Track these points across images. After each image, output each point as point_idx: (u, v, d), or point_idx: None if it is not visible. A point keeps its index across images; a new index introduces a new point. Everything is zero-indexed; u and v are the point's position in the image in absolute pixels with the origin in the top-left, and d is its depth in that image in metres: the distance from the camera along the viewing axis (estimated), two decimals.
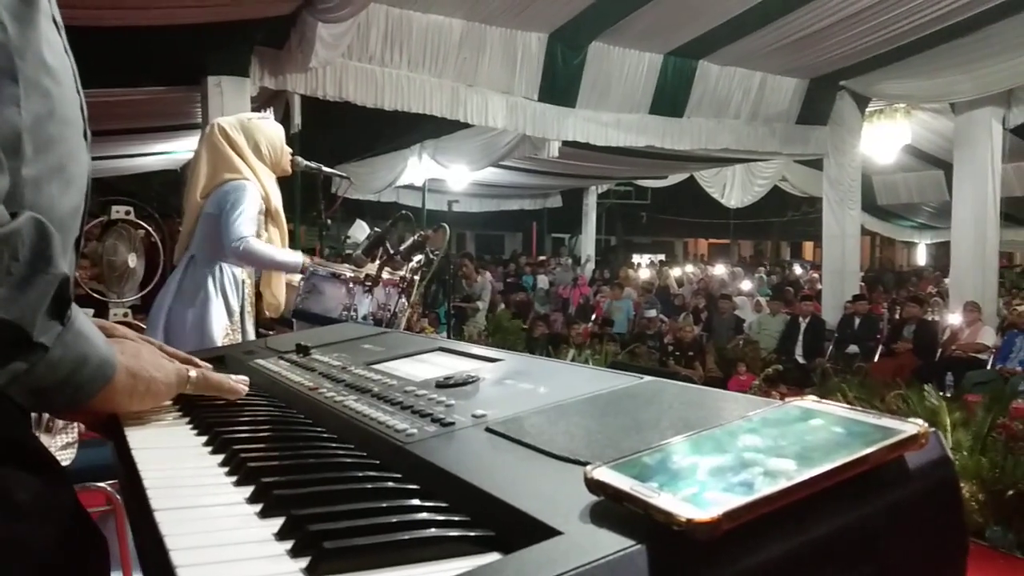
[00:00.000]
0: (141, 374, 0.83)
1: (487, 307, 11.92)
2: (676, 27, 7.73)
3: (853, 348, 9.12)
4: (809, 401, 0.59)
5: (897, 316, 9.80)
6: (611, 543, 0.44)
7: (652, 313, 10.49)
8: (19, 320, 0.63)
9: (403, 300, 3.11)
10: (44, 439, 2.55)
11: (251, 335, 3.14)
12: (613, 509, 0.48)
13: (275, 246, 3.07)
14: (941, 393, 6.13)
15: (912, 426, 0.51)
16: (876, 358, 8.84)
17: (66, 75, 0.79)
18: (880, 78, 8.88)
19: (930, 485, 0.52)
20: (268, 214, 3.08)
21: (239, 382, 0.98)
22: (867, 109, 9.91)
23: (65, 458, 2.58)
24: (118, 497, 2.62)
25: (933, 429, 0.53)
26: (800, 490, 0.46)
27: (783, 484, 0.46)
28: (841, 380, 6.76)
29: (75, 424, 2.65)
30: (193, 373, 0.92)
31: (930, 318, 9.48)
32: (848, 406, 0.57)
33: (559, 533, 0.47)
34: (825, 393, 5.85)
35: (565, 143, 9.04)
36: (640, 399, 0.74)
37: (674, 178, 15.08)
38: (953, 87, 8.33)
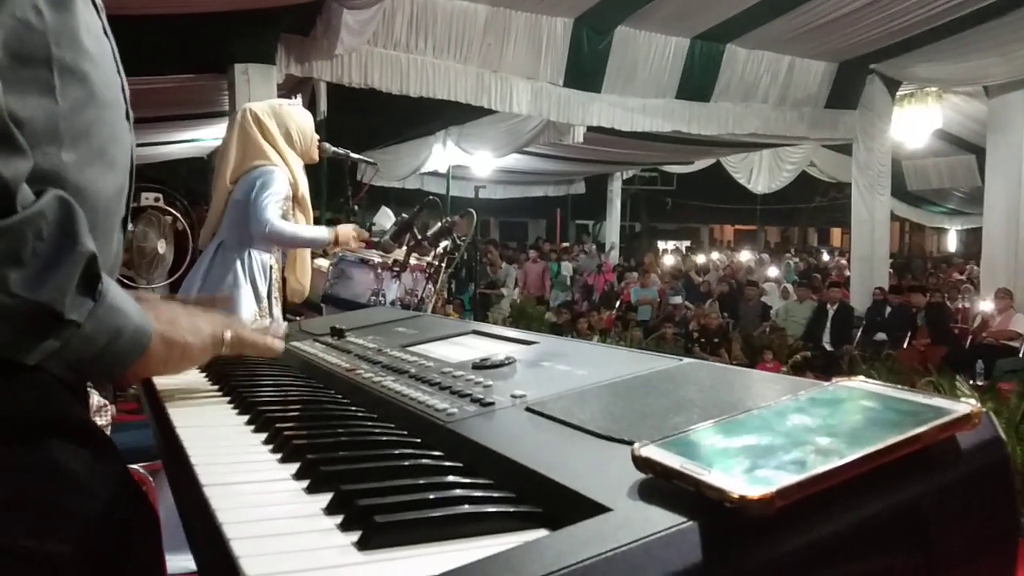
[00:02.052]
0: (176, 340, 0.83)
1: (511, 294, 11.92)
2: (703, 10, 7.64)
3: (881, 336, 9.01)
4: (857, 381, 0.58)
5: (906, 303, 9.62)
6: (662, 519, 0.44)
7: (677, 300, 10.44)
8: (49, 300, 0.64)
9: (430, 285, 3.12)
10: None
11: (278, 320, 3.17)
12: (662, 487, 0.48)
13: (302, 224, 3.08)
14: (972, 381, 6.06)
15: (964, 406, 0.51)
16: (905, 345, 8.73)
17: (105, 58, 0.80)
18: (911, 61, 8.72)
19: (982, 465, 0.51)
20: (296, 200, 3.09)
21: (275, 340, 1.00)
22: (898, 93, 9.73)
23: None
24: (151, 479, 2.66)
25: (985, 409, 0.52)
26: (852, 468, 0.46)
27: (835, 463, 0.45)
28: (869, 368, 6.69)
29: (109, 407, 2.70)
30: (228, 334, 0.92)
31: (960, 305, 9.32)
32: (896, 386, 0.56)
33: (608, 510, 0.47)
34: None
35: (590, 129, 9.00)
36: (680, 380, 0.74)
37: (700, 163, 14.94)
38: (987, 70, 8.15)
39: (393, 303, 3.01)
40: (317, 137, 3.20)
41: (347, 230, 3.08)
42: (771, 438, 0.50)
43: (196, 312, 0.91)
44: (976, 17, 7.47)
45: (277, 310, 3.19)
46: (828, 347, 9.09)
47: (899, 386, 0.56)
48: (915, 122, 10.12)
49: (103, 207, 0.79)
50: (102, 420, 2.66)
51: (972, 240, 17.52)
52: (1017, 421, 4.33)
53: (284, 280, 3.28)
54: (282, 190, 2.95)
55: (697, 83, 8.56)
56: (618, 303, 11.65)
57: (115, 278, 0.86)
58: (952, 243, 22.11)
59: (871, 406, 0.54)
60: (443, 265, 3.16)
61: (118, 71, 0.84)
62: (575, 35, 7.83)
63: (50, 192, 0.66)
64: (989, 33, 7.65)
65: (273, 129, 3.03)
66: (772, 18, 7.74)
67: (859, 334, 9.29)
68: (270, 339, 0.99)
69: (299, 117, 3.13)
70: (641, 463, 0.49)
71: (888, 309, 9.26)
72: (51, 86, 0.70)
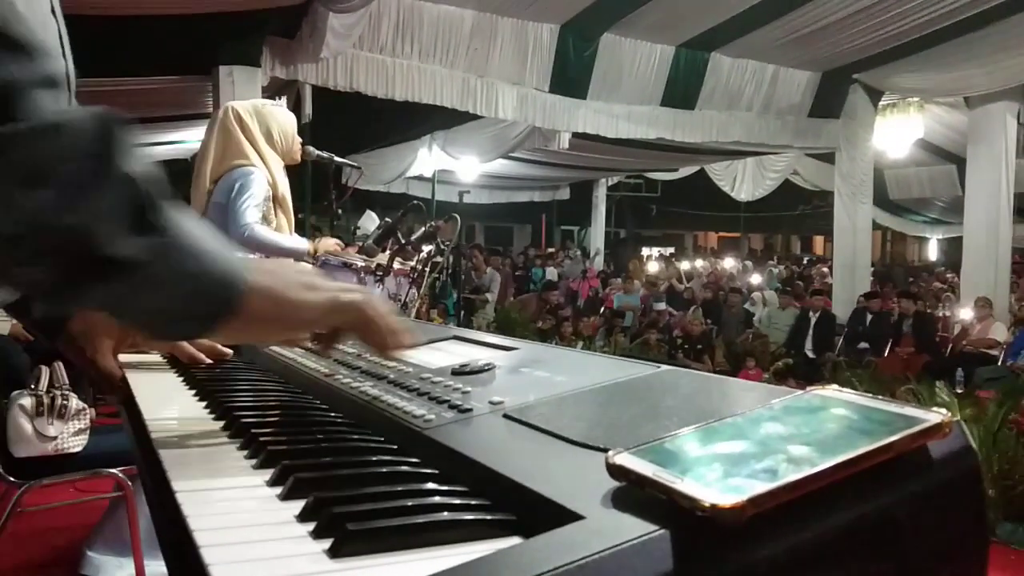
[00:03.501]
0: (284, 296, 0.66)
1: (495, 299, 11.92)
2: (688, 19, 7.69)
3: (864, 344, 9.08)
4: (831, 390, 0.59)
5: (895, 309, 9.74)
6: (634, 528, 0.44)
7: (661, 306, 10.47)
8: (81, 229, 0.53)
9: (413, 290, 3.12)
10: (56, 425, 2.57)
11: None
12: (635, 494, 0.48)
13: (282, 232, 3.07)
14: (952, 389, 6.11)
15: (935, 415, 0.51)
16: (886, 353, 8.80)
17: (50, 37, 0.68)
18: (894, 71, 8.82)
19: (953, 474, 0.52)
20: (276, 201, 3.08)
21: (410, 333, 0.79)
22: (880, 103, 9.84)
23: (77, 444, 2.61)
24: (129, 483, 2.64)
25: (956, 419, 0.53)
26: (824, 477, 0.46)
27: (807, 471, 0.46)
28: (851, 375, 6.73)
29: (87, 410, 2.68)
30: (350, 296, 0.72)
31: (941, 313, 9.41)
32: (870, 395, 0.57)
33: (581, 517, 0.47)
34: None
35: (575, 135, 9.02)
36: (657, 387, 0.74)
37: (684, 171, 15.01)
38: (968, 81, 8.26)
39: None
40: (299, 139, 3.19)
41: (328, 244, 3.08)
42: (745, 446, 0.50)
43: (307, 270, 0.74)
44: (957, 29, 7.57)
45: None
46: (810, 354, 9.14)
47: (872, 395, 0.57)
48: (897, 132, 10.22)
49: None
50: (81, 423, 2.64)
51: (953, 249, 17.67)
52: (995, 429, 4.37)
53: None
54: (260, 192, 2.94)
55: (682, 91, 8.61)
56: (602, 309, 11.67)
57: None
58: (933, 252, 22.31)
59: (844, 415, 0.54)
60: (427, 270, 3.15)
61: (64, 56, 0.72)
62: (561, 41, 7.86)
63: (86, 108, 0.55)
64: (970, 45, 7.75)
65: (254, 128, 3.02)
66: (756, 27, 7.81)
67: (841, 341, 9.35)
68: (405, 332, 0.77)
69: (281, 117, 3.12)
70: (615, 471, 0.50)
71: (869, 317, 9.34)
72: None
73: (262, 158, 3.01)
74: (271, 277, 0.66)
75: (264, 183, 2.97)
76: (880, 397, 0.57)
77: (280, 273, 0.68)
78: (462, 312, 5.99)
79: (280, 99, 3.33)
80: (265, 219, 2.96)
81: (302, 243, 3.03)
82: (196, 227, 0.60)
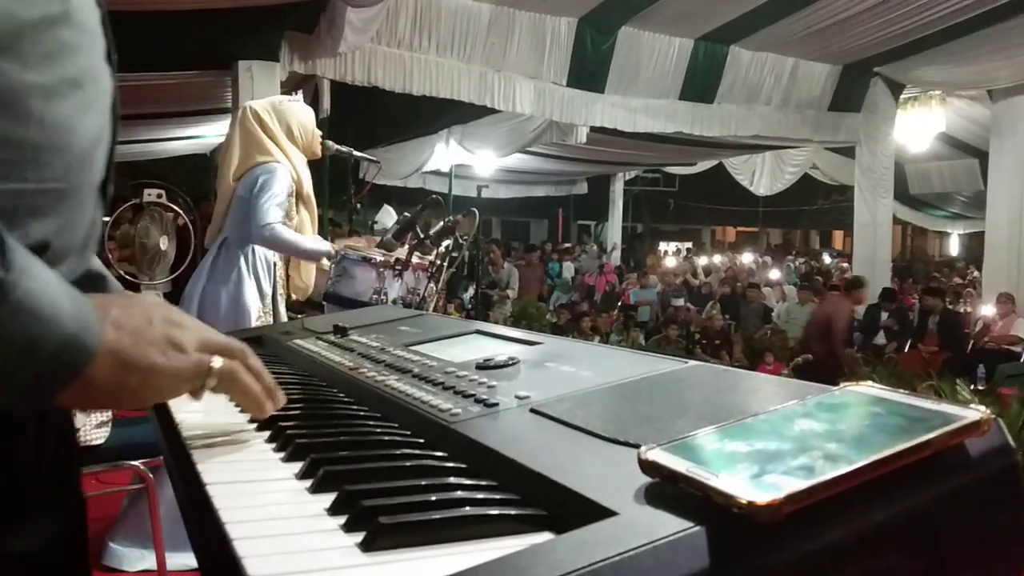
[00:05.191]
0: (137, 362, 0.57)
1: (515, 294, 11.91)
2: (707, 12, 7.63)
3: (881, 339, 9.01)
4: (864, 386, 0.58)
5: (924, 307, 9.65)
6: (669, 524, 0.43)
7: (680, 302, 10.43)
8: None
9: (432, 285, 3.12)
10: (79, 417, 2.59)
11: (283, 318, 3.17)
12: (668, 491, 0.47)
13: (304, 229, 3.08)
14: (973, 386, 6.04)
15: (974, 412, 0.50)
16: (906, 349, 8.73)
17: None
18: (915, 64, 8.71)
19: (991, 473, 0.51)
20: (300, 197, 3.09)
21: (275, 395, 0.72)
22: (901, 96, 9.73)
23: (99, 437, 2.63)
24: (151, 475, 2.66)
25: (995, 416, 0.52)
26: (861, 475, 0.45)
27: (844, 468, 0.45)
28: (871, 371, 6.68)
29: None
30: (217, 363, 0.65)
31: (962, 309, 9.31)
32: (906, 392, 0.56)
33: (614, 514, 0.46)
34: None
35: (593, 129, 8.99)
36: (685, 383, 0.73)
37: (702, 165, 14.94)
38: (992, 74, 8.14)
39: (395, 302, 3.01)
40: (319, 132, 3.20)
41: (351, 243, 3.10)
42: (779, 443, 0.50)
43: (186, 321, 0.64)
44: (981, 21, 7.45)
45: (282, 307, 3.19)
46: None
47: (907, 392, 0.56)
48: (918, 125, 10.10)
49: (77, 154, 0.62)
50: (103, 415, 2.67)
51: (974, 244, 17.49)
52: (1019, 427, 4.32)
53: (288, 278, 3.28)
54: (284, 189, 2.95)
55: (700, 84, 8.56)
56: (619, 304, 11.64)
57: (91, 254, 0.71)
58: (954, 247, 22.09)
59: (880, 412, 0.53)
60: (445, 264, 3.15)
61: (99, 3, 0.68)
62: (579, 35, 7.82)
63: None
64: (994, 37, 7.64)
65: (274, 126, 3.03)
66: (776, 20, 7.73)
67: (860, 337, 9.28)
68: (267, 396, 0.71)
69: (300, 113, 3.13)
70: (647, 467, 0.49)
71: (886, 314, 9.25)
72: None
73: (285, 154, 3.02)
74: (131, 338, 0.57)
75: (288, 179, 2.98)
76: (915, 394, 0.56)
77: (143, 333, 0.58)
78: (479, 307, 5.98)
79: (297, 94, 3.35)
80: (287, 216, 2.97)
81: (323, 245, 3.03)
82: (41, 271, 0.52)
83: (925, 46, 8.22)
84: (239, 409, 0.82)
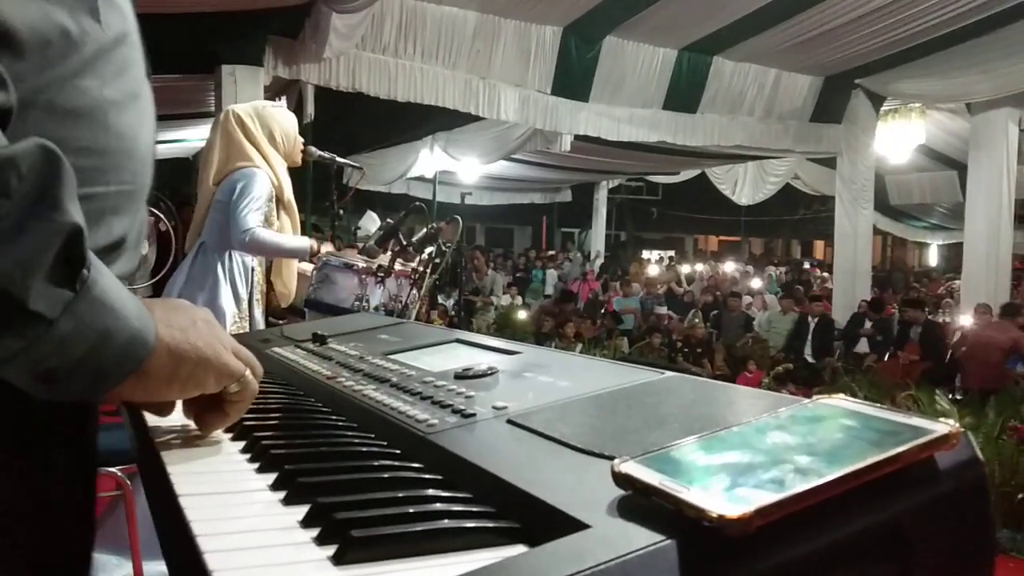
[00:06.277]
0: (188, 355, 0.64)
1: (499, 301, 11.92)
2: (691, 22, 7.69)
3: (864, 349, 9.09)
4: (837, 399, 0.58)
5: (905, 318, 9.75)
6: (641, 537, 0.43)
7: (663, 310, 10.47)
8: (6, 278, 0.49)
9: (414, 291, 3.11)
10: None
11: (259, 324, 3.15)
12: (641, 504, 0.47)
13: (284, 233, 3.07)
14: (951, 395, 6.11)
15: (943, 426, 0.51)
16: (886, 358, 8.80)
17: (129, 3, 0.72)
18: (896, 77, 8.82)
19: (960, 486, 0.52)
20: (280, 203, 3.08)
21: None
22: (882, 108, 9.84)
23: None
24: (128, 482, 2.63)
25: (963, 430, 0.52)
26: (831, 488, 0.46)
27: (814, 482, 0.45)
28: (850, 380, 6.73)
29: None
30: (249, 374, 0.72)
31: (941, 319, 9.40)
32: (877, 405, 0.57)
33: (586, 526, 0.46)
34: (834, 393, 5.82)
35: (577, 137, 9.02)
36: (663, 394, 0.74)
37: (685, 174, 15.02)
38: (970, 87, 8.26)
39: (377, 309, 3.00)
40: (301, 139, 3.19)
41: (329, 248, 3.09)
42: (751, 456, 0.50)
43: (217, 325, 0.71)
44: (959, 36, 7.57)
45: (259, 314, 3.17)
46: (810, 359, 9.15)
47: (878, 404, 0.57)
48: (899, 137, 10.22)
49: (139, 158, 0.68)
50: None
51: (953, 255, 17.69)
52: (995, 436, 4.37)
53: (269, 283, 3.26)
54: (263, 193, 2.94)
55: (684, 94, 8.62)
56: (602, 311, 11.67)
57: (139, 258, 0.76)
58: (933, 257, 22.33)
59: (851, 424, 0.54)
60: (428, 271, 3.15)
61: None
62: (564, 44, 7.86)
63: (31, 139, 0.51)
64: (972, 51, 7.76)
65: (256, 131, 3.01)
66: (759, 32, 7.81)
67: (841, 346, 9.35)
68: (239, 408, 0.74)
69: (282, 119, 3.11)
70: (621, 479, 0.49)
71: (868, 322, 9.34)
72: (94, 7, 0.60)
73: (266, 160, 3.00)
74: (181, 334, 0.64)
75: (267, 184, 2.97)
76: (886, 407, 0.57)
77: (193, 329, 0.66)
78: (462, 313, 5.98)
79: (280, 100, 3.33)
80: (267, 221, 2.95)
81: (303, 242, 3.02)
82: (108, 275, 0.57)
83: (905, 59, 8.33)
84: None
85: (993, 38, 7.47)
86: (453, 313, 9.28)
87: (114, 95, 0.62)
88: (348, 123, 9.96)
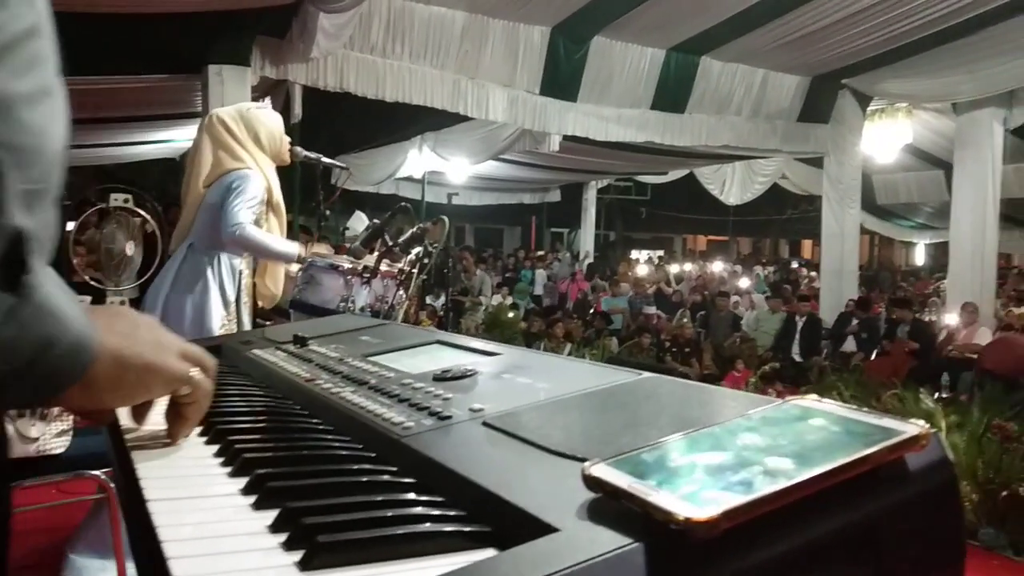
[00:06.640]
0: (132, 361, 0.64)
1: (488, 301, 11.91)
2: (679, 23, 7.71)
3: (851, 348, 9.13)
4: (809, 400, 0.58)
5: (893, 317, 9.81)
6: (608, 541, 0.43)
7: (651, 310, 10.48)
8: None
9: (401, 292, 3.10)
10: (38, 426, 2.54)
11: (247, 325, 3.13)
12: (611, 506, 0.47)
13: (274, 235, 3.06)
14: (937, 394, 6.14)
15: (913, 427, 0.51)
16: (872, 357, 8.85)
17: None
18: (882, 77, 8.86)
19: (930, 487, 0.52)
20: (270, 204, 3.07)
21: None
22: (869, 108, 9.89)
23: (59, 446, 2.58)
24: (112, 485, 2.62)
25: (934, 431, 0.52)
26: (800, 490, 0.46)
27: (783, 484, 0.45)
28: (837, 379, 6.76)
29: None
30: (195, 373, 0.72)
31: (927, 318, 9.46)
32: (849, 406, 0.57)
33: (555, 530, 0.46)
34: (821, 392, 5.84)
35: (566, 137, 9.03)
36: (639, 395, 0.74)
37: (674, 174, 15.04)
38: (955, 87, 8.31)
39: (363, 310, 2.99)
40: (287, 139, 3.18)
41: (318, 251, 3.08)
42: (721, 457, 0.50)
43: (161, 328, 0.70)
44: (945, 36, 7.62)
45: (246, 315, 3.15)
46: (797, 358, 9.19)
47: (852, 404, 0.57)
48: (885, 137, 10.27)
49: (50, 160, 0.64)
50: (64, 424, 2.62)
51: (940, 254, 17.79)
52: (979, 434, 4.39)
53: (254, 285, 3.24)
54: (257, 194, 2.92)
55: (672, 94, 8.63)
56: (591, 311, 11.68)
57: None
58: (920, 257, 22.45)
59: (822, 425, 0.54)
60: (414, 272, 3.14)
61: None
62: (552, 44, 7.86)
63: None
64: (957, 52, 7.80)
65: (241, 134, 3.00)
66: (746, 32, 7.83)
67: (828, 345, 9.40)
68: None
69: (267, 120, 3.10)
70: (591, 482, 0.49)
71: (855, 321, 9.38)
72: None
73: (256, 162, 2.99)
74: (125, 340, 0.64)
75: (260, 185, 2.95)
76: (860, 407, 0.57)
77: (135, 337, 0.65)
78: (450, 314, 5.97)
79: (265, 100, 3.31)
80: (256, 222, 2.94)
81: (292, 246, 3.01)
82: (52, 280, 0.56)
83: (891, 59, 8.38)
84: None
85: (978, 38, 7.52)
86: (442, 313, 9.27)
87: (24, 88, 0.59)
88: (336, 123, 9.94)
